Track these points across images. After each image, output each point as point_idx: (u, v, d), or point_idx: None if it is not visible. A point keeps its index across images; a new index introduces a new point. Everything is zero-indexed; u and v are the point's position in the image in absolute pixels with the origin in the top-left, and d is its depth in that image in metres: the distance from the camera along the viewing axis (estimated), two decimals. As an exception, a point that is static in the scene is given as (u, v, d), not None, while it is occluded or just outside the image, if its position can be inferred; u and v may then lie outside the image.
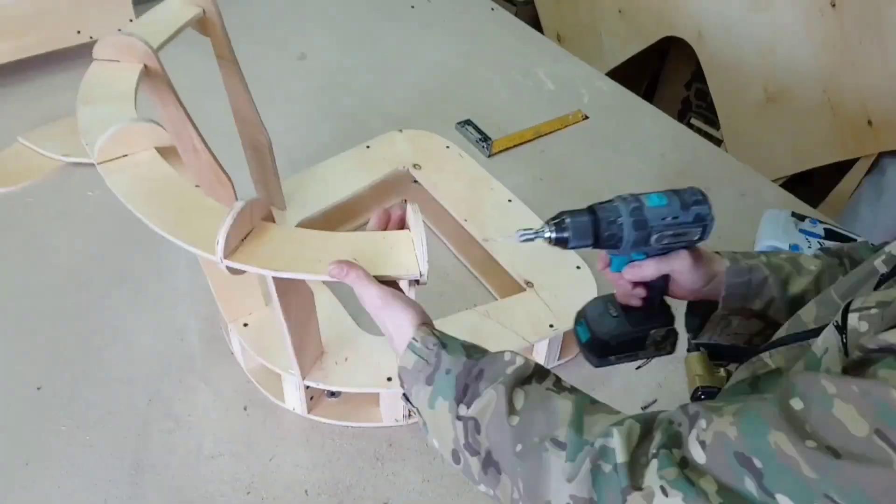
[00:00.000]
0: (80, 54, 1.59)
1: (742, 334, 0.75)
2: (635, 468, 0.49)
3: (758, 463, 0.45)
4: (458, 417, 0.59)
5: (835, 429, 0.44)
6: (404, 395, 0.66)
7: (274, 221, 0.74)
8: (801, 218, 1.32)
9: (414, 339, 0.63)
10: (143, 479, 0.93)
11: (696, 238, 0.69)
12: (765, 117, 1.88)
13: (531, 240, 0.66)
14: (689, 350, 0.90)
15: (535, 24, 2.48)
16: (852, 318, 0.53)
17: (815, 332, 0.60)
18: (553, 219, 0.67)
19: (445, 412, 0.60)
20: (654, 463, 0.48)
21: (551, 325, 1.04)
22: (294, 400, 1.01)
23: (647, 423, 0.53)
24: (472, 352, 0.62)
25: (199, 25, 0.99)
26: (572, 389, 0.60)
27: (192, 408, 1.02)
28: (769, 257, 0.75)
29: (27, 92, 1.57)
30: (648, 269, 0.71)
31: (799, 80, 1.76)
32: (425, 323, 0.66)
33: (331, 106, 1.63)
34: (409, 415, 1.02)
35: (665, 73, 2.36)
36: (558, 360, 1.11)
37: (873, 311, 0.52)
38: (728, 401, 0.52)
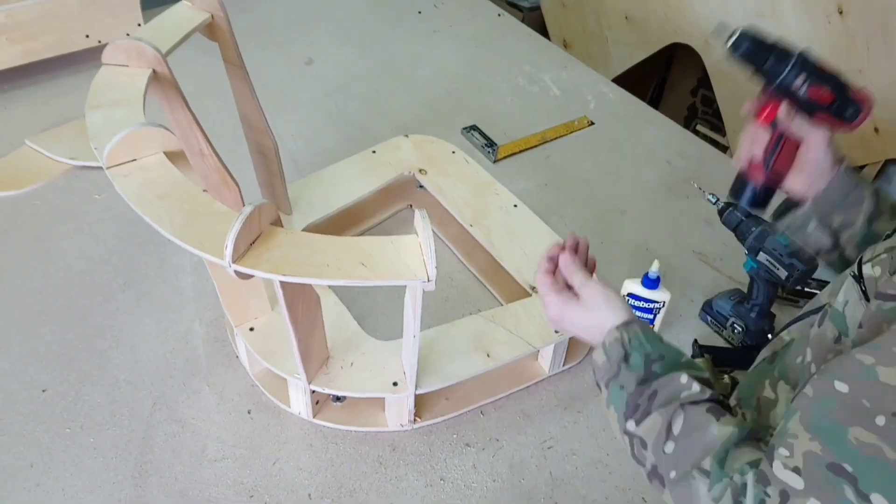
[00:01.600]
0: (88, 58, 1.61)
1: (810, 245, 0.77)
2: None
3: (849, 468, 0.46)
4: (625, 432, 0.62)
5: (889, 395, 0.45)
6: (596, 382, 0.69)
7: (281, 226, 0.74)
8: None
9: (604, 342, 0.67)
10: (147, 481, 0.94)
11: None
12: (771, 124, 1.87)
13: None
14: (692, 356, 0.91)
15: (542, 30, 2.48)
16: (866, 268, 0.56)
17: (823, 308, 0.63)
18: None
19: (615, 421, 0.63)
20: None
21: (557, 331, 1.04)
22: (299, 404, 1.01)
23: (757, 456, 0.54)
24: (656, 367, 0.63)
25: (208, 30, 0.99)
26: (733, 415, 0.60)
27: (196, 411, 1.02)
28: (878, 189, 0.76)
29: (36, 95, 1.58)
30: (794, 123, 0.72)
31: (805, 87, 1.76)
32: (623, 323, 0.67)
33: (337, 111, 1.64)
34: (415, 420, 1.02)
35: (671, 80, 2.36)
36: (563, 365, 1.11)
37: (883, 255, 0.55)
38: (785, 418, 0.53)
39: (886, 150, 1.64)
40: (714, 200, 1.07)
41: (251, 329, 1.03)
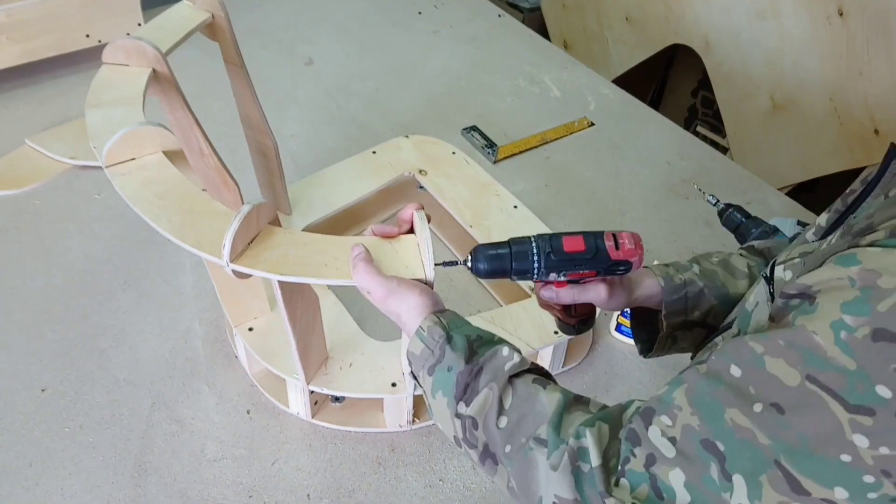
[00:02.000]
0: (88, 57, 1.61)
1: (688, 347, 0.77)
2: (607, 471, 0.52)
3: (721, 446, 0.48)
4: (457, 415, 0.61)
5: (771, 385, 0.46)
6: (412, 373, 0.67)
7: (280, 225, 0.74)
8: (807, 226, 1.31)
9: (421, 327, 0.64)
10: (146, 481, 0.94)
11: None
12: (771, 126, 1.88)
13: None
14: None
15: (542, 31, 2.48)
16: (778, 270, 0.57)
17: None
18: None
19: (444, 407, 0.62)
20: (626, 483, 0.51)
21: (556, 332, 1.04)
22: (298, 405, 1.01)
23: (613, 420, 0.55)
24: (476, 346, 0.63)
25: (208, 30, 0.99)
26: (557, 385, 0.62)
27: (196, 411, 1.02)
28: (701, 265, 0.76)
29: (36, 94, 1.58)
30: (564, 296, 0.72)
31: (806, 88, 1.76)
32: (436, 310, 0.66)
33: (337, 111, 1.64)
34: (414, 421, 1.02)
35: (671, 81, 2.36)
36: (563, 366, 1.11)
37: (796, 260, 0.56)
38: (671, 385, 0.54)
39: (887, 152, 1.63)
40: (714, 202, 1.07)
41: (250, 329, 1.03)
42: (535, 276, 0.68)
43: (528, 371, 0.62)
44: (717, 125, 2.14)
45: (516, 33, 1.98)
